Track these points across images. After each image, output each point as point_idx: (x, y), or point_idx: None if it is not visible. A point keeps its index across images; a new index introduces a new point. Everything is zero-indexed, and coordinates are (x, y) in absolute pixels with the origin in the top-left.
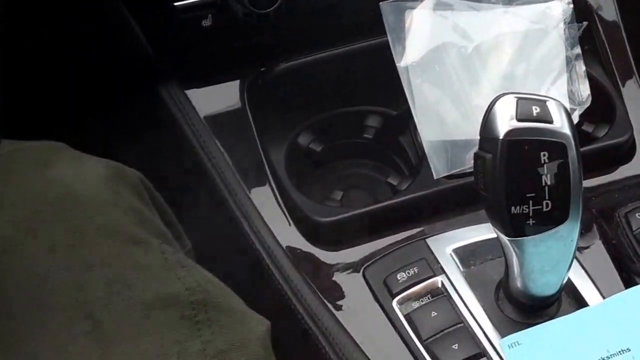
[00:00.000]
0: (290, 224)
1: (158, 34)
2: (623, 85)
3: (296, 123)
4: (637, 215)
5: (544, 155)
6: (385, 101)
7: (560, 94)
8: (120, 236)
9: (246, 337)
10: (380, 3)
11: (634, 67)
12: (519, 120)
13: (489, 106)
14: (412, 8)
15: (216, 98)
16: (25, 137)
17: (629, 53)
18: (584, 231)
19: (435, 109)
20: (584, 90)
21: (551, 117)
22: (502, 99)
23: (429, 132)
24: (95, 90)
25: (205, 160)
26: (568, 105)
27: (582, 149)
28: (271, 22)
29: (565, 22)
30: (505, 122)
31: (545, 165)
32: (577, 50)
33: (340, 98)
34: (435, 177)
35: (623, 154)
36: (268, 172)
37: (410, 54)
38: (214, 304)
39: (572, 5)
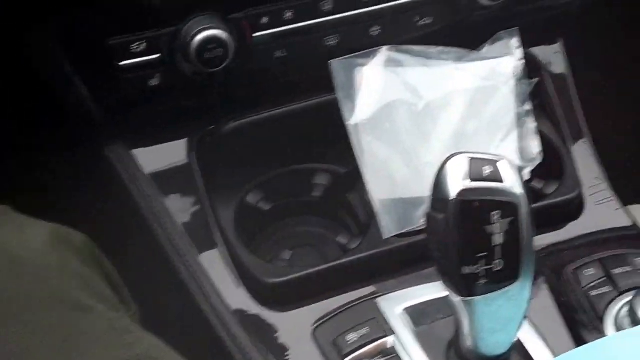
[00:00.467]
0: (239, 285)
1: (104, 93)
2: (572, 142)
3: (245, 181)
4: (585, 272)
5: (495, 215)
6: (334, 159)
7: (511, 150)
8: (67, 303)
9: None
10: (330, 60)
11: (584, 124)
12: (470, 180)
13: (440, 166)
14: (363, 65)
15: (164, 157)
16: None
17: (579, 110)
18: (534, 288)
19: (385, 167)
20: (535, 147)
21: (502, 177)
22: (453, 158)
23: (378, 191)
24: (40, 150)
25: (152, 220)
26: (518, 162)
27: (532, 206)
28: (220, 81)
29: (516, 78)
30: (457, 182)
31: (496, 224)
32: (528, 106)
33: (289, 156)
34: (384, 237)
35: (572, 211)
36: (217, 232)
37: (360, 111)
38: None
39: (523, 62)
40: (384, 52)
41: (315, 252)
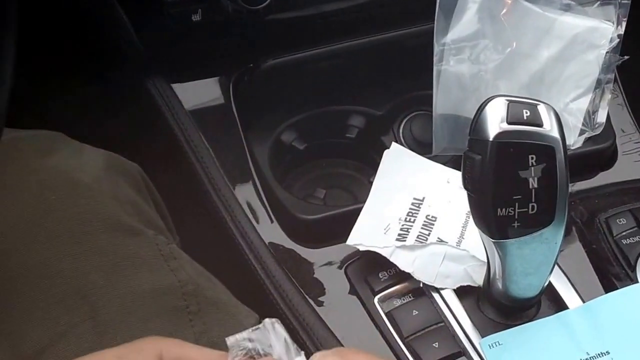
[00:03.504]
0: (273, 221)
1: (147, 27)
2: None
3: (280, 120)
4: (617, 220)
5: (532, 158)
6: (369, 101)
7: (579, 111)
8: (119, 227)
9: (237, 330)
10: None
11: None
12: (509, 123)
13: (479, 108)
14: None
15: (203, 93)
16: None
17: None
18: (565, 235)
19: (455, 88)
20: (601, 117)
21: (541, 121)
22: (493, 101)
23: (441, 107)
24: (85, 82)
25: (190, 154)
26: (580, 125)
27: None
28: (261, 19)
29: (610, 48)
30: (496, 124)
31: (532, 168)
32: (610, 76)
33: (324, 97)
34: (434, 153)
35: (605, 161)
36: (252, 168)
37: (452, 33)
38: (204, 296)
39: (622, 35)
40: None
41: (348, 193)
